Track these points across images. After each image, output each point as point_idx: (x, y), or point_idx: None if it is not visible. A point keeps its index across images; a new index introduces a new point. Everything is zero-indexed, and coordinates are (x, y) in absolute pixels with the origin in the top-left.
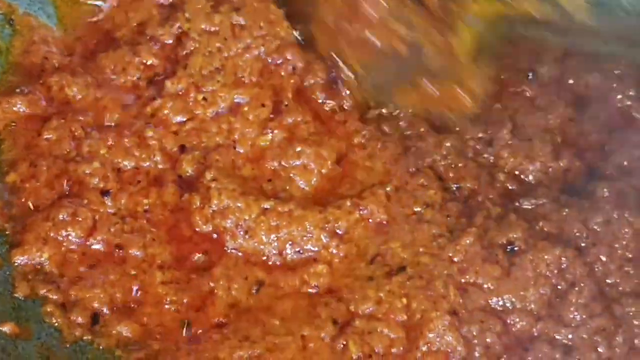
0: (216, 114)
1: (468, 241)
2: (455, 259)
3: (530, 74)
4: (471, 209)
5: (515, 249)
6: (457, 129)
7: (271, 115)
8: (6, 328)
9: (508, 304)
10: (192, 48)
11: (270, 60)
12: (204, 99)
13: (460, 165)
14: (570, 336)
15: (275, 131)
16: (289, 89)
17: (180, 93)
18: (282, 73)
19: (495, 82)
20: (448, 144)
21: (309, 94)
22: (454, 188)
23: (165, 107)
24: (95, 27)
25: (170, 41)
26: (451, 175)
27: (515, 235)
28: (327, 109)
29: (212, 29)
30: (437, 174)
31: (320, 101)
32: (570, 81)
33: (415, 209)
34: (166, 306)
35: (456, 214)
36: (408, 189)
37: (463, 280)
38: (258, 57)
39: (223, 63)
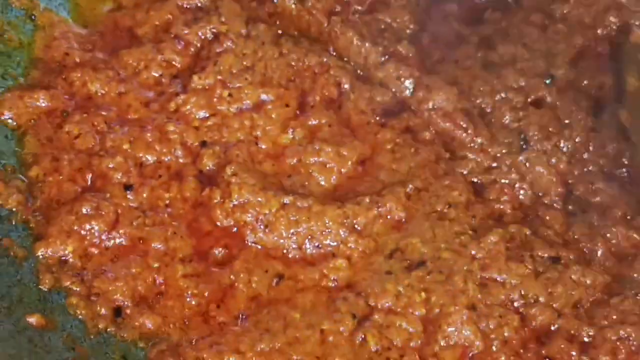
0: (240, 110)
1: (493, 239)
2: (478, 256)
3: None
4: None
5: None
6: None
7: (297, 112)
8: (32, 319)
9: (531, 300)
10: (225, 47)
11: (307, 64)
12: (230, 95)
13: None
14: (592, 334)
15: (297, 129)
16: (319, 94)
17: (207, 88)
18: (320, 80)
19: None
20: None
21: (349, 105)
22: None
23: (189, 102)
24: (116, 24)
25: (195, 41)
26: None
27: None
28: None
29: (253, 33)
30: (467, 180)
31: (377, 118)
32: (585, 82)
33: (437, 208)
34: (187, 299)
35: (482, 216)
36: (431, 189)
37: (484, 276)
38: (291, 62)
39: (254, 63)
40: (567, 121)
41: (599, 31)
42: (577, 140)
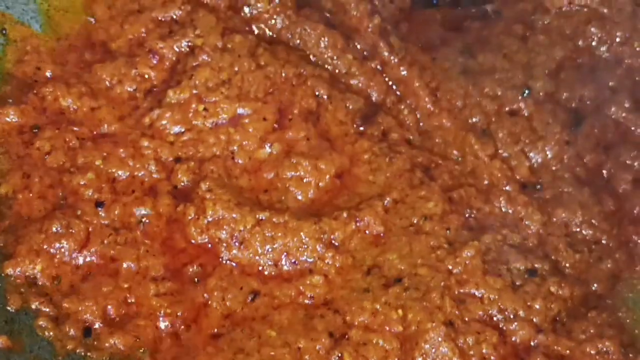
0: (215, 124)
1: (469, 253)
2: (455, 271)
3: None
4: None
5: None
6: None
7: (275, 126)
8: None
9: (510, 315)
10: (201, 61)
11: (284, 77)
12: (205, 109)
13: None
14: (569, 351)
15: (275, 143)
16: (297, 107)
17: (182, 102)
18: (299, 92)
19: (492, 99)
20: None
21: (327, 116)
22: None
23: (164, 117)
24: (89, 38)
25: (171, 54)
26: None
27: (538, 265)
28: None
29: (229, 45)
30: (443, 188)
31: (355, 126)
32: (565, 95)
33: (414, 221)
34: (160, 318)
35: (456, 227)
36: (407, 201)
37: (462, 291)
38: (269, 75)
39: (231, 77)
40: (541, 133)
41: (579, 42)
42: (547, 152)
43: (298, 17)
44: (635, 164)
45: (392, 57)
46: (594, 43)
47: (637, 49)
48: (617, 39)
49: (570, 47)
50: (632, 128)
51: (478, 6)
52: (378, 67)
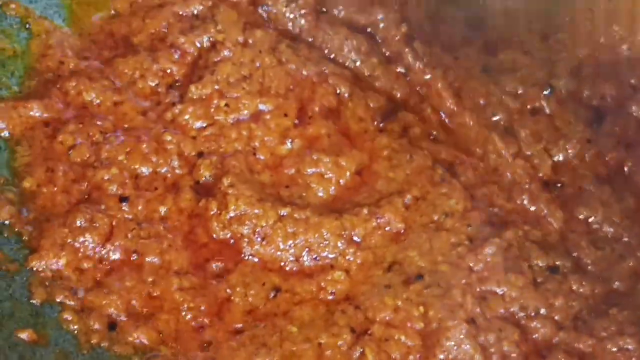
0: (237, 120)
1: (490, 250)
2: (476, 268)
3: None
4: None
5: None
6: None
7: (296, 122)
8: (24, 335)
9: (531, 312)
10: (222, 56)
11: (305, 74)
12: (227, 105)
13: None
14: (591, 348)
15: (296, 140)
16: (317, 104)
17: (204, 98)
18: (319, 90)
19: (514, 98)
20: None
21: (347, 114)
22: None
23: (186, 112)
24: (111, 32)
25: (192, 49)
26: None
27: (559, 263)
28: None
29: (250, 41)
30: (465, 186)
31: (375, 123)
32: (587, 93)
33: (434, 218)
34: (183, 313)
35: (477, 223)
36: (428, 198)
37: (483, 289)
38: (290, 72)
39: (252, 72)
40: (564, 131)
41: (601, 40)
42: (569, 151)
43: (319, 21)
44: None
45: (416, 63)
46: (615, 41)
47: None
48: (638, 37)
49: (591, 45)
50: None
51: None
52: (402, 70)
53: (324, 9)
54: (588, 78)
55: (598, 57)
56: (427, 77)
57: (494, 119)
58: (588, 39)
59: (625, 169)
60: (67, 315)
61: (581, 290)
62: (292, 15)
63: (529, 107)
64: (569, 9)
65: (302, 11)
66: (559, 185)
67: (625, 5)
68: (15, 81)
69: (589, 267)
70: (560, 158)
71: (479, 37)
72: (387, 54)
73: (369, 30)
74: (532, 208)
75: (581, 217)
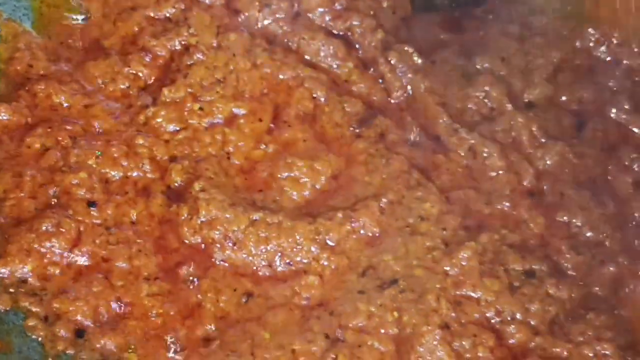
0: (211, 124)
1: (465, 254)
2: (451, 272)
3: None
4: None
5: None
6: None
7: (271, 126)
8: None
9: (507, 317)
10: (195, 59)
11: (281, 78)
12: (201, 108)
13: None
14: (567, 352)
15: (270, 145)
16: (293, 108)
17: (177, 101)
18: (295, 94)
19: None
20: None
21: (324, 118)
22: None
23: (159, 115)
24: (81, 35)
25: (164, 53)
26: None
27: (536, 267)
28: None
29: (224, 44)
30: (441, 189)
31: (351, 128)
32: (564, 98)
33: (410, 221)
34: (152, 319)
35: (453, 227)
36: (403, 202)
37: (458, 293)
38: (265, 76)
39: (226, 76)
40: (542, 138)
41: (577, 44)
42: (549, 156)
43: (294, 25)
44: (635, 166)
45: (392, 68)
46: (591, 44)
47: (635, 49)
48: (614, 40)
49: (567, 49)
50: (634, 129)
51: (475, 6)
52: (378, 75)
53: (300, 13)
54: (565, 83)
55: (574, 61)
56: (404, 82)
57: (474, 124)
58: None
59: (608, 174)
60: (32, 322)
61: (558, 294)
62: (267, 19)
63: (508, 110)
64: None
65: (277, 15)
66: (540, 191)
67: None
68: None
69: (569, 272)
70: (542, 163)
71: (455, 41)
72: (363, 59)
73: (345, 35)
74: (513, 213)
75: (562, 221)
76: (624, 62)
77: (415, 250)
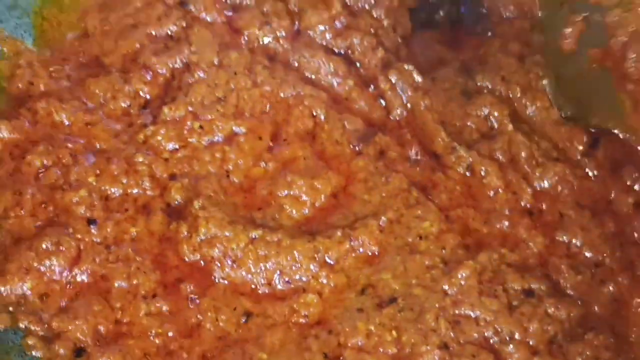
0: (211, 142)
1: (464, 273)
2: (450, 292)
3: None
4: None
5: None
6: None
7: (270, 144)
8: None
9: (505, 336)
10: (197, 77)
11: (282, 96)
12: (201, 127)
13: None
14: None
15: (270, 163)
16: (293, 126)
17: (178, 119)
18: (295, 112)
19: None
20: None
21: (323, 136)
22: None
23: (159, 133)
24: (82, 52)
25: (165, 70)
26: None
27: (535, 286)
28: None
29: (225, 62)
30: (440, 208)
31: (351, 146)
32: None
33: (409, 240)
34: (151, 338)
35: (452, 246)
36: (403, 221)
37: (457, 312)
38: (265, 94)
39: (227, 94)
40: (541, 159)
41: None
42: (550, 176)
43: (295, 43)
44: (637, 186)
45: (393, 86)
46: None
47: None
48: None
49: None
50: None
51: (476, 24)
52: (378, 93)
53: (300, 31)
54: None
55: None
56: (404, 99)
57: (473, 142)
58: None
59: (611, 194)
60: (32, 341)
61: (557, 314)
62: (268, 37)
63: (508, 130)
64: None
65: (278, 33)
66: (539, 210)
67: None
68: None
69: (568, 291)
70: (542, 183)
71: (455, 59)
72: (364, 77)
73: (346, 53)
74: (511, 232)
75: (561, 241)
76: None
77: (414, 269)
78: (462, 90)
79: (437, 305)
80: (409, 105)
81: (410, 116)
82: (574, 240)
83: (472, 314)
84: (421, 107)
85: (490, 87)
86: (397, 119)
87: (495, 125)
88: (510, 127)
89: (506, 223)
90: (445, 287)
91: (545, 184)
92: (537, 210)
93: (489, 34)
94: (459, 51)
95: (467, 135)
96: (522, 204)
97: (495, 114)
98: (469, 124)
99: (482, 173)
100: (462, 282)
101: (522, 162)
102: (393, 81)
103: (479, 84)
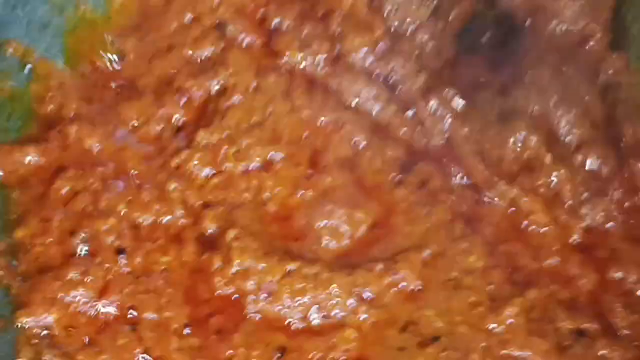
0: (247, 168)
1: (512, 311)
2: (496, 330)
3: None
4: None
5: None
6: None
7: (309, 171)
8: None
9: None
10: (233, 101)
11: (321, 122)
12: (237, 152)
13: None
14: None
15: (308, 191)
16: (332, 152)
17: (213, 144)
18: (334, 138)
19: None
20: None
21: (364, 164)
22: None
23: (193, 159)
24: (115, 75)
25: (201, 93)
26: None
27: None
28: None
29: (263, 85)
30: (486, 241)
31: (392, 175)
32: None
33: (453, 275)
34: None
35: (499, 282)
36: (447, 254)
37: (504, 353)
38: (304, 119)
39: (264, 119)
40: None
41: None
42: (602, 209)
43: (335, 67)
44: None
45: (429, 118)
46: None
47: None
48: None
49: None
50: None
51: (517, 45)
52: (420, 119)
53: (341, 55)
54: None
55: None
56: (444, 127)
57: (515, 174)
58: None
59: None
60: None
61: (610, 355)
62: (307, 61)
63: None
64: None
65: (318, 56)
66: (591, 245)
67: None
68: (13, 124)
69: (623, 331)
70: (593, 217)
71: (496, 80)
72: (405, 103)
73: (387, 77)
74: (561, 268)
75: (615, 278)
76: None
77: (458, 305)
78: (499, 112)
79: (483, 344)
80: (447, 133)
81: (450, 145)
82: (628, 277)
83: (520, 354)
84: (459, 135)
85: (525, 107)
86: (438, 147)
87: (533, 154)
88: (548, 158)
89: (556, 259)
90: (492, 325)
91: (602, 213)
92: (589, 246)
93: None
94: (500, 73)
95: (506, 166)
96: (572, 239)
97: (532, 139)
98: (507, 153)
99: (528, 209)
100: (510, 321)
101: (567, 196)
102: (433, 107)
103: (514, 104)
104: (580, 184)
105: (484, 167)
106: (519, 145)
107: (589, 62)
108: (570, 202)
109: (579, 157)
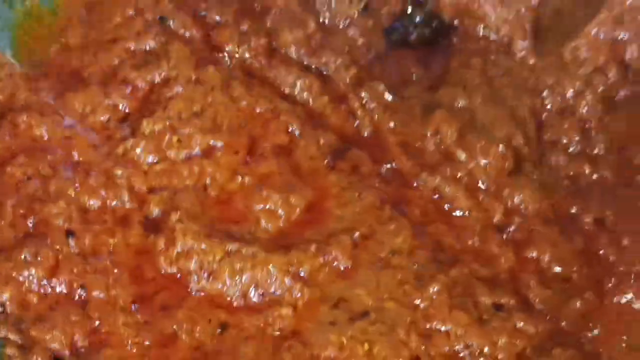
0: (189, 156)
1: (436, 288)
2: (422, 306)
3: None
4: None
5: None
6: None
7: (247, 158)
8: None
9: (475, 350)
10: (175, 92)
11: (258, 111)
12: (179, 140)
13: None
14: None
15: (246, 177)
16: (269, 141)
17: (156, 133)
18: (271, 127)
19: None
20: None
21: (298, 151)
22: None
23: (138, 146)
24: (62, 65)
25: (144, 85)
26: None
27: (504, 300)
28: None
29: (202, 77)
30: (413, 224)
31: (326, 161)
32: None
33: (381, 255)
34: (128, 348)
35: (424, 261)
36: (376, 236)
37: (428, 326)
38: (242, 108)
39: (204, 109)
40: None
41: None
42: (520, 194)
43: (271, 59)
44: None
45: (362, 105)
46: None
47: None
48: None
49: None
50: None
51: (448, 41)
52: (350, 110)
53: (277, 49)
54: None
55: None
56: (375, 118)
57: (437, 164)
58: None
59: (571, 211)
60: (10, 351)
61: (526, 328)
62: (245, 54)
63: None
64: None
65: (255, 50)
66: (510, 227)
67: None
68: None
69: (537, 306)
70: (512, 201)
71: (425, 76)
72: (337, 93)
73: (320, 70)
74: (483, 248)
75: (531, 256)
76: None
77: (387, 283)
78: (423, 106)
79: (408, 319)
80: (376, 124)
81: (378, 135)
82: (543, 256)
83: (443, 327)
84: (385, 127)
85: (449, 102)
86: (369, 135)
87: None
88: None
89: (477, 240)
90: (417, 301)
91: (513, 204)
92: (508, 227)
93: (460, 48)
94: (428, 69)
95: (429, 157)
96: (493, 221)
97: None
98: (428, 145)
99: (450, 195)
100: (434, 297)
101: (486, 182)
102: (363, 99)
103: (438, 99)
104: (500, 172)
105: (407, 157)
106: (438, 137)
107: (516, 68)
108: (489, 187)
109: (500, 148)
